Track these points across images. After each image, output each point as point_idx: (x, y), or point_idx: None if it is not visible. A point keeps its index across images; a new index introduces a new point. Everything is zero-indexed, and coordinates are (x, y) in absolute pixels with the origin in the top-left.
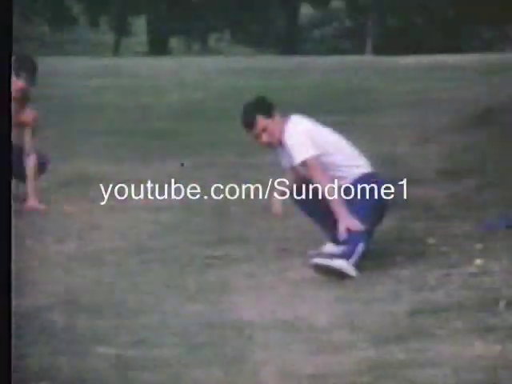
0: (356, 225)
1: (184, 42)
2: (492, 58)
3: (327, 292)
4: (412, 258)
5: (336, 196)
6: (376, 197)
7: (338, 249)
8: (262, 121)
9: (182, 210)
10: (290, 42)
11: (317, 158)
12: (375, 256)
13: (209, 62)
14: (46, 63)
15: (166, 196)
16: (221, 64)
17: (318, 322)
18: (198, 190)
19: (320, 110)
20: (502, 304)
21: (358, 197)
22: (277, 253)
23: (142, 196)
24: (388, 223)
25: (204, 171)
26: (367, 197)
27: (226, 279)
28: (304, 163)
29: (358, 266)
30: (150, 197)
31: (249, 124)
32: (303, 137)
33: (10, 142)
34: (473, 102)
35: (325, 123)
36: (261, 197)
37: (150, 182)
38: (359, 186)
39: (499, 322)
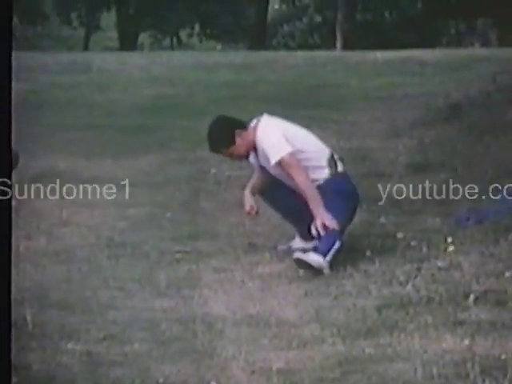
0: (332, 222)
1: (155, 37)
2: (461, 52)
3: (297, 287)
4: (381, 252)
5: (313, 192)
6: (348, 196)
7: (307, 244)
8: (237, 139)
9: (152, 206)
10: (260, 36)
11: (292, 154)
12: (344, 250)
13: (179, 57)
14: (16, 58)
15: (136, 191)
16: (191, 59)
17: (287, 316)
18: (169, 185)
19: (291, 104)
20: (471, 298)
21: (331, 196)
22: (246, 247)
23: (112, 191)
24: (357, 218)
25: (175, 167)
26: (339, 196)
27: (195, 274)
28: (281, 161)
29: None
30: (120, 192)
31: (224, 147)
32: (276, 136)
33: (10, 142)
34: (442, 97)
35: (295, 118)
36: (231, 192)
37: (120, 177)
38: (332, 185)
39: (468, 317)
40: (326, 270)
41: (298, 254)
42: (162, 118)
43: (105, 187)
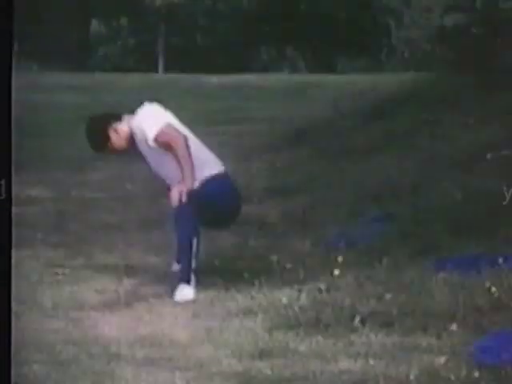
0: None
1: None
2: (294, 78)
3: (182, 308)
4: (258, 275)
5: (187, 160)
6: (227, 196)
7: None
8: (112, 135)
9: (19, 227)
10: (80, 58)
11: (170, 125)
12: (222, 272)
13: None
14: None
15: None
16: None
17: (179, 337)
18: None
19: None
20: (357, 320)
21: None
22: (124, 269)
23: None
24: (227, 240)
25: (34, 189)
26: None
27: (79, 295)
28: (159, 134)
29: (201, 281)
30: None
31: (103, 143)
32: (153, 113)
33: (10, 143)
34: (285, 122)
35: None
36: (96, 214)
37: None
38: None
39: (358, 338)
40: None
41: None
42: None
43: None
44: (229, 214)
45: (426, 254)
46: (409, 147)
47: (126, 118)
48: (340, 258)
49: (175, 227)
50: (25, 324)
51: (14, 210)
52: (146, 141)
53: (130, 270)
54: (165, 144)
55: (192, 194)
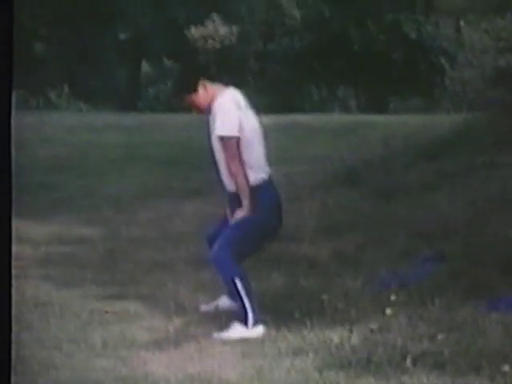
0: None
1: (22, 97)
2: (345, 118)
3: (232, 347)
4: (309, 314)
5: (243, 183)
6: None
7: (231, 302)
8: (200, 89)
9: (71, 265)
10: (130, 98)
11: (236, 139)
12: (273, 312)
13: (68, 118)
14: None
15: (51, 250)
16: (80, 120)
17: (228, 376)
18: (83, 245)
19: (183, 166)
20: (409, 360)
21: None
22: (174, 308)
23: (26, 251)
24: (278, 279)
25: (86, 226)
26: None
27: (129, 334)
28: (223, 138)
29: (258, 319)
30: (37, 252)
31: (189, 89)
32: (232, 114)
33: (10, 144)
34: (336, 161)
35: (190, 180)
36: (146, 252)
37: (33, 236)
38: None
39: (409, 379)
40: (257, 334)
41: (225, 336)
42: (60, 178)
43: (19, 246)
44: (272, 227)
45: (478, 293)
46: (461, 187)
47: (218, 85)
48: (393, 297)
49: (216, 270)
50: (75, 362)
51: (64, 248)
52: (213, 127)
53: (179, 309)
54: (223, 149)
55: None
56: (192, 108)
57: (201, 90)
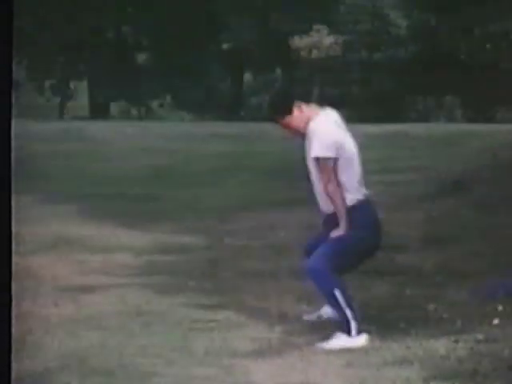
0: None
1: (124, 107)
2: (451, 127)
3: (335, 357)
4: (415, 324)
5: (340, 203)
6: (371, 222)
7: (333, 312)
8: (295, 111)
9: (173, 274)
10: (232, 108)
11: (332, 160)
12: (378, 321)
13: (171, 128)
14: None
15: (155, 259)
16: (182, 129)
17: None
18: (186, 254)
19: (287, 176)
20: None
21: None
22: (277, 317)
23: (131, 259)
24: (384, 289)
25: (188, 235)
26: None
27: (231, 343)
28: (319, 159)
29: (361, 329)
30: (137, 260)
31: (284, 111)
32: (329, 134)
33: (10, 144)
34: (443, 171)
35: (292, 189)
36: (249, 261)
37: (136, 246)
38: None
39: None
40: (360, 343)
41: (328, 345)
42: (163, 188)
43: (122, 255)
44: (370, 245)
45: None
46: None
47: (311, 107)
48: (499, 307)
49: (312, 282)
50: (177, 371)
51: (166, 257)
52: (309, 148)
53: (282, 318)
54: (319, 170)
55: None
56: (287, 131)
57: (296, 113)
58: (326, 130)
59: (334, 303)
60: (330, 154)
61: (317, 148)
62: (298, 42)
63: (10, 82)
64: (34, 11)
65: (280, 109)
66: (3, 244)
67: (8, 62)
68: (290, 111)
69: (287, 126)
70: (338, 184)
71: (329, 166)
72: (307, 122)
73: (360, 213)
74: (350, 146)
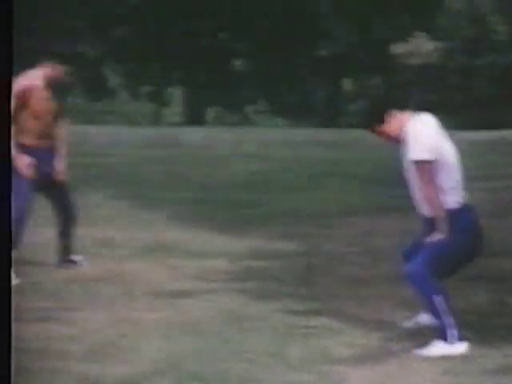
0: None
1: (219, 113)
2: None
3: (433, 365)
4: None
5: (438, 207)
6: (471, 230)
7: (432, 319)
8: (391, 119)
9: (269, 280)
10: (329, 115)
11: (430, 163)
12: (477, 329)
13: (266, 134)
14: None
15: (250, 265)
16: (278, 136)
17: None
18: (281, 260)
19: (385, 183)
20: None
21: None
22: (374, 323)
23: (226, 264)
24: (484, 296)
25: (284, 241)
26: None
27: (327, 349)
28: (417, 163)
29: (461, 336)
30: (232, 265)
31: (379, 121)
32: (426, 137)
33: (10, 145)
34: None
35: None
36: (346, 268)
37: (231, 251)
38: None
39: None
40: (458, 350)
41: (427, 352)
42: (259, 193)
43: (217, 260)
44: (470, 249)
45: None
46: None
47: (409, 112)
48: None
49: (411, 286)
50: (273, 376)
51: (262, 263)
52: (407, 152)
53: (379, 324)
54: (418, 174)
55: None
56: (382, 135)
57: (391, 120)
58: (423, 133)
59: (434, 309)
60: (428, 156)
61: (415, 151)
62: (397, 48)
63: (9, 84)
64: (132, 20)
65: (375, 119)
66: None
67: (8, 63)
68: (385, 120)
69: (383, 135)
70: (437, 187)
71: (427, 168)
72: (403, 129)
73: (459, 217)
74: (449, 149)
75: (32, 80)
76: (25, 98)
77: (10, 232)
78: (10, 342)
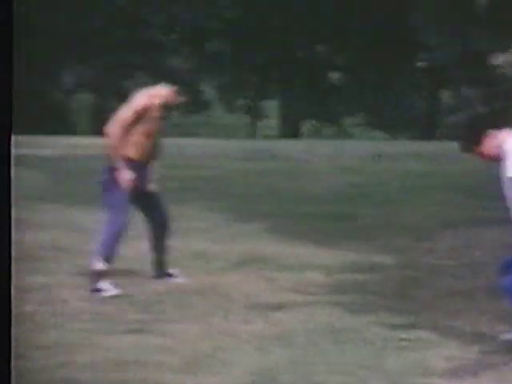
0: None
1: (315, 126)
2: None
3: None
4: None
5: None
6: None
7: None
8: (487, 139)
9: (365, 293)
10: (428, 128)
11: None
12: None
13: (362, 147)
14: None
15: (346, 277)
16: (374, 149)
17: None
18: (378, 273)
19: (482, 196)
20: None
21: None
22: (471, 337)
23: (321, 276)
24: None
25: (381, 254)
26: None
27: (423, 362)
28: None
29: None
30: (328, 278)
31: (472, 145)
32: None
33: (10, 144)
34: None
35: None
36: (443, 281)
37: (328, 264)
38: None
39: None
40: None
41: None
42: (356, 207)
43: (313, 273)
44: None
45: None
46: None
47: (504, 132)
48: None
49: (510, 301)
50: None
51: (358, 276)
52: (505, 168)
53: (477, 337)
54: None
55: None
56: (480, 156)
57: (488, 140)
58: None
59: None
60: None
61: (509, 165)
62: (497, 59)
63: (9, 84)
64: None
65: (471, 140)
66: None
67: (8, 67)
68: (478, 142)
69: (480, 155)
70: None
71: None
72: (501, 146)
73: None
74: None
75: (152, 99)
76: (142, 114)
77: (10, 236)
78: (10, 344)
